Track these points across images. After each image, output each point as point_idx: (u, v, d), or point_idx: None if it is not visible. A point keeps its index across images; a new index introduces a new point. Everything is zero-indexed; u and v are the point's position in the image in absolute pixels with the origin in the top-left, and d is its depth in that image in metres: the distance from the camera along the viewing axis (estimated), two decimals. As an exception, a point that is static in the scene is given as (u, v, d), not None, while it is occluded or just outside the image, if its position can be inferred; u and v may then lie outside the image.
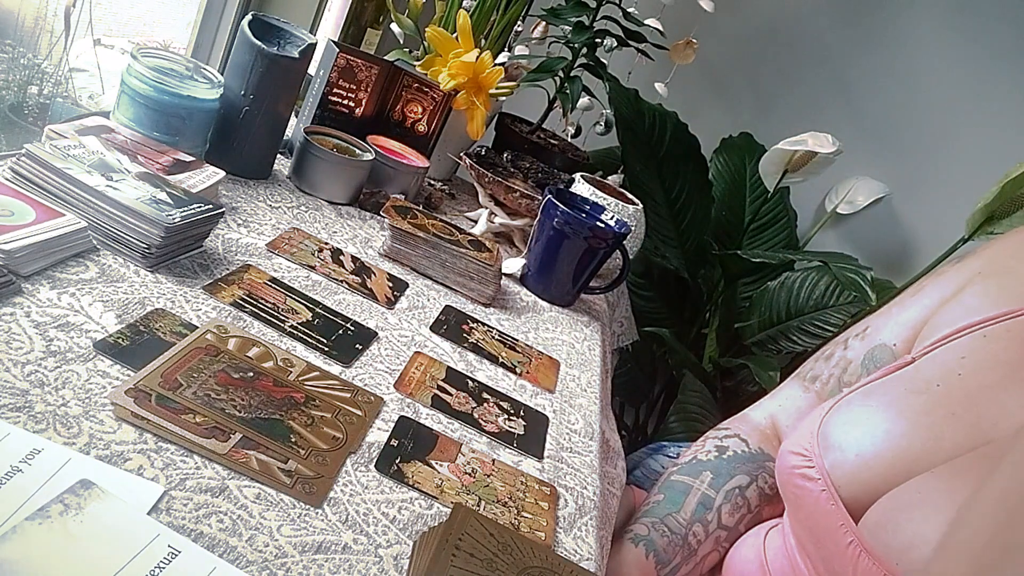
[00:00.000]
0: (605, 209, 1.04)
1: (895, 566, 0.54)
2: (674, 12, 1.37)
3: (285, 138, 0.97)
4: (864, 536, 0.57)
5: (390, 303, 0.79)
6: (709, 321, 1.82)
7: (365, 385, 0.64)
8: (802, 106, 1.94)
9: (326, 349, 0.65)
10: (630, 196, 1.17)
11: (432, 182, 1.20)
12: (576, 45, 1.28)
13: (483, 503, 0.57)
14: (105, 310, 0.57)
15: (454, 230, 0.93)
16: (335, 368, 0.64)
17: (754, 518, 0.77)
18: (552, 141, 1.40)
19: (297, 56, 0.85)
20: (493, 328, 0.85)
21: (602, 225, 1.00)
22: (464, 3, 1.24)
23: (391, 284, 0.83)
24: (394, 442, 0.59)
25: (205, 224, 0.69)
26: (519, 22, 1.32)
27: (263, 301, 0.68)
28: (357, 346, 0.68)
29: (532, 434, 0.69)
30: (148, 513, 0.43)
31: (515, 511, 0.58)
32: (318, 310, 0.71)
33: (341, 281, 0.78)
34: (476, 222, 1.11)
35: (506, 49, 1.34)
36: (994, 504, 0.49)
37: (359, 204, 0.99)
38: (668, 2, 1.35)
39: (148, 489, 0.44)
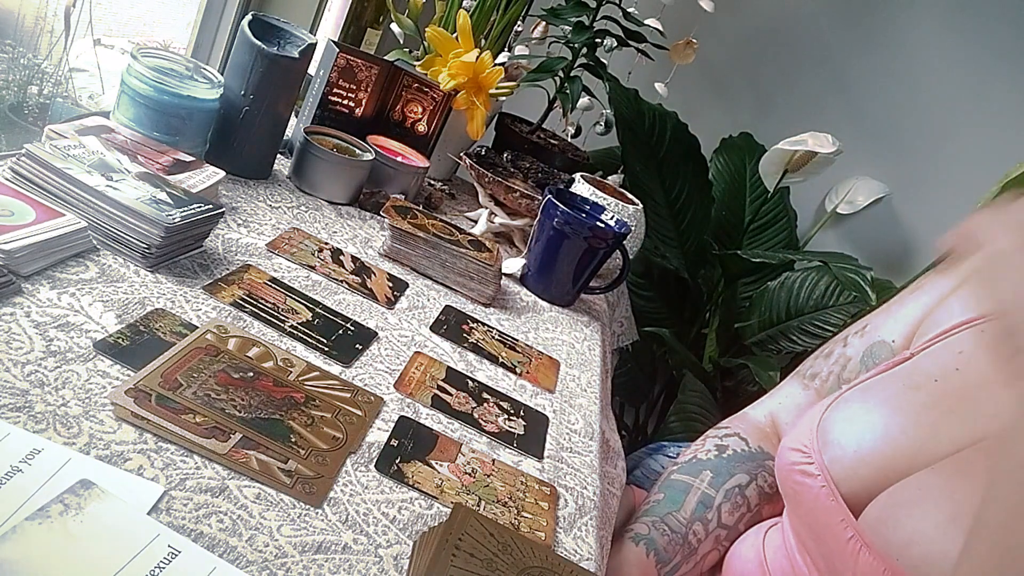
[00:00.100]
0: (605, 209, 1.04)
1: (895, 561, 0.54)
2: (674, 12, 1.37)
3: (285, 138, 0.97)
4: (864, 531, 0.57)
5: (390, 303, 0.79)
6: (709, 321, 1.82)
7: (365, 385, 0.64)
8: (802, 106, 1.94)
9: (326, 349, 0.65)
10: (630, 196, 1.17)
11: (432, 182, 1.20)
12: (576, 45, 1.28)
13: (483, 503, 0.57)
14: (105, 310, 0.57)
15: (454, 230, 0.93)
16: (335, 368, 0.64)
17: (754, 517, 0.77)
18: (552, 141, 1.40)
19: (297, 56, 0.85)
20: (493, 328, 0.85)
21: (602, 225, 1.00)
22: (464, 3, 1.24)
23: (391, 284, 0.83)
24: (394, 442, 0.59)
25: (205, 224, 0.69)
26: (519, 22, 1.32)
27: (263, 301, 0.68)
28: (357, 346, 0.68)
29: (532, 434, 0.69)
30: (148, 513, 0.43)
31: (515, 511, 0.58)
32: (318, 310, 0.71)
33: (341, 281, 0.78)
34: (476, 222, 1.11)
35: (506, 49, 1.34)
36: (1004, 511, 0.49)
37: (359, 204, 0.99)
38: (668, 2, 1.35)
39: (148, 489, 0.44)
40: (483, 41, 1.29)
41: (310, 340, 0.65)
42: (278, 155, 0.97)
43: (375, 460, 0.56)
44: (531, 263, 1.00)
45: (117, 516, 0.41)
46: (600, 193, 1.09)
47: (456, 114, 1.12)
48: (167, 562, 0.40)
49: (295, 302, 0.70)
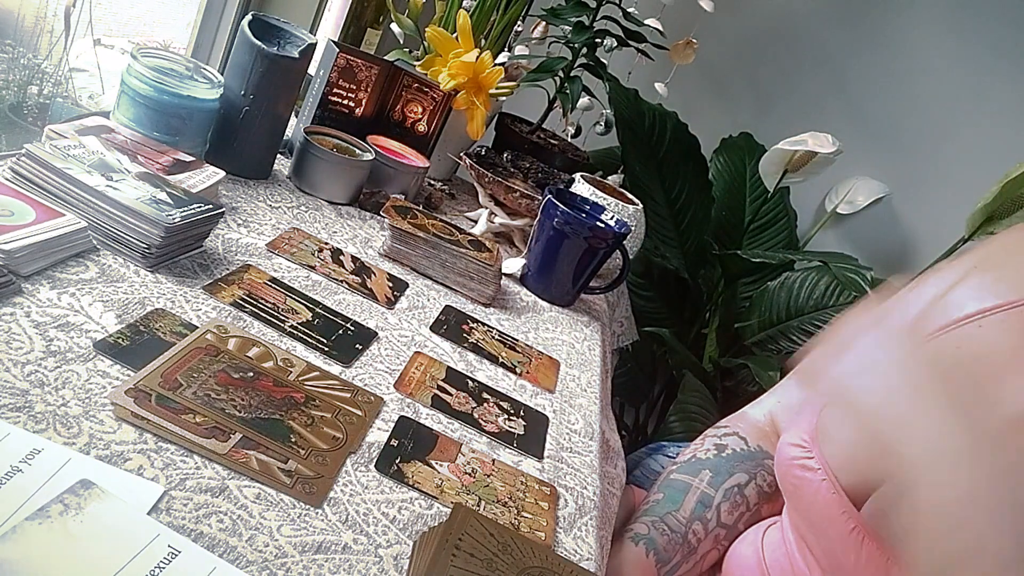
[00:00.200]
0: (605, 209, 1.04)
1: (897, 552, 0.55)
2: (674, 12, 1.37)
3: (285, 138, 0.97)
4: (867, 522, 0.58)
5: (390, 303, 0.79)
6: (709, 321, 1.82)
7: (365, 385, 0.64)
8: (802, 106, 1.94)
9: (326, 349, 0.65)
10: (630, 196, 1.17)
11: (432, 182, 1.20)
12: (576, 45, 1.28)
13: (483, 503, 0.57)
14: (105, 310, 0.57)
15: (454, 230, 0.93)
16: (335, 368, 0.64)
17: (753, 516, 0.77)
18: (552, 141, 1.40)
19: (297, 56, 0.85)
20: (493, 328, 0.85)
21: (602, 225, 1.00)
22: (464, 3, 1.24)
23: (391, 284, 0.83)
24: (394, 442, 0.59)
25: (205, 224, 0.69)
26: (519, 22, 1.32)
27: (263, 301, 0.68)
28: (357, 346, 0.68)
29: (532, 434, 0.69)
30: (148, 513, 0.43)
31: (515, 511, 0.58)
32: (318, 310, 0.71)
33: (341, 281, 0.78)
34: (476, 222, 1.11)
35: (506, 49, 1.34)
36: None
37: (359, 204, 0.99)
38: (668, 2, 1.35)
39: (148, 489, 0.44)
40: (483, 41, 1.29)
41: (310, 340, 0.65)
42: (278, 155, 0.97)
43: (375, 460, 0.56)
44: (531, 263, 1.00)
45: (117, 516, 0.41)
46: (600, 193, 1.09)
47: (456, 114, 1.12)
48: (167, 562, 0.40)
49: (295, 302, 0.70)
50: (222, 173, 0.78)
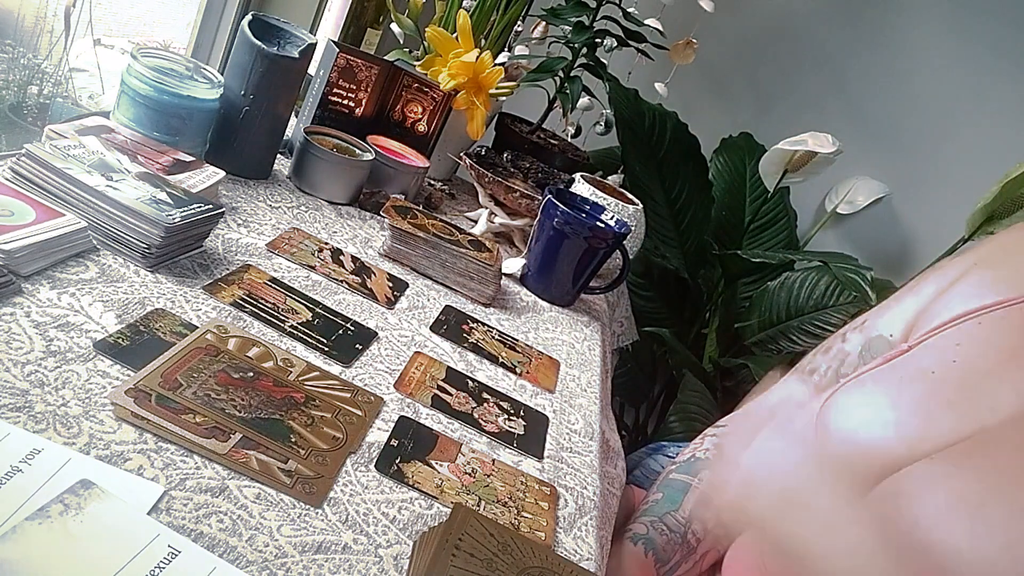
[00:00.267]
0: (605, 209, 1.04)
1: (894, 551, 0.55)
2: (674, 12, 1.37)
3: (285, 138, 0.97)
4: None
5: (390, 303, 0.79)
6: (709, 321, 1.82)
7: (365, 385, 0.64)
8: (802, 106, 1.94)
9: (326, 349, 0.65)
10: (630, 196, 1.17)
11: (432, 182, 1.20)
12: (576, 45, 1.28)
13: (483, 503, 0.57)
14: (105, 310, 0.57)
15: (454, 230, 0.93)
16: (335, 368, 0.64)
17: None
18: (552, 141, 1.40)
19: (297, 56, 0.85)
20: (493, 328, 0.85)
21: (602, 225, 1.00)
22: (464, 3, 1.24)
23: (391, 284, 0.83)
24: (394, 442, 0.59)
25: (205, 224, 0.69)
26: (519, 22, 1.32)
27: (263, 301, 0.68)
28: (357, 346, 0.68)
29: (532, 434, 0.69)
30: (148, 513, 0.43)
31: (515, 511, 0.58)
32: (318, 310, 0.71)
33: (341, 281, 0.78)
34: (476, 222, 1.11)
35: (506, 49, 1.34)
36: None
37: (359, 204, 0.99)
38: (668, 2, 1.35)
39: (148, 489, 0.44)
40: (483, 41, 1.29)
41: (310, 340, 0.65)
42: (278, 155, 0.97)
43: (375, 460, 0.56)
44: (531, 263, 1.00)
45: (117, 516, 0.41)
46: (600, 193, 1.09)
47: (456, 114, 1.12)
48: (167, 562, 0.40)
49: (295, 302, 0.70)
50: (222, 173, 0.78)
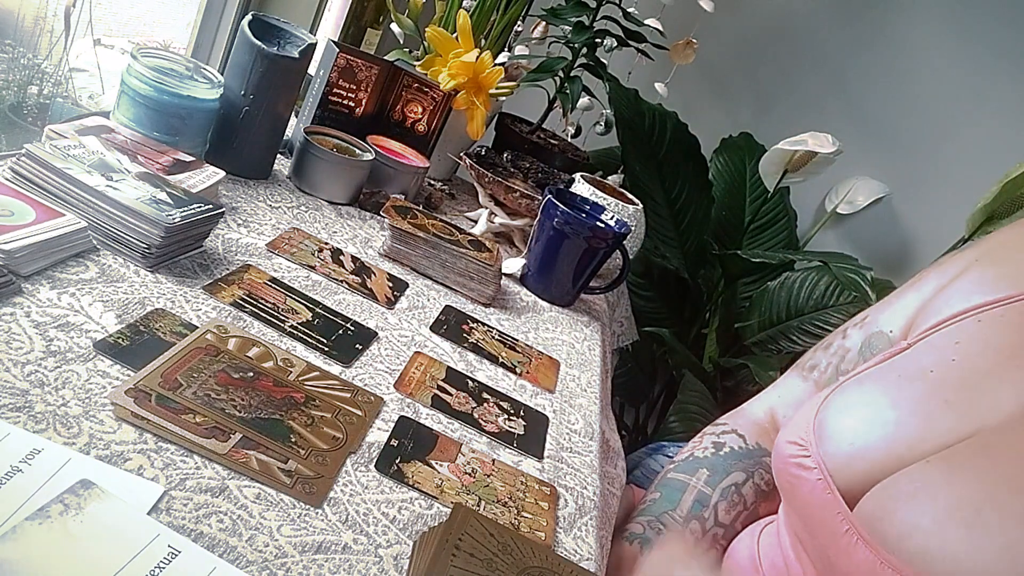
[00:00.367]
0: (605, 209, 1.04)
1: (891, 556, 0.54)
2: (674, 12, 1.37)
3: (285, 138, 0.97)
4: (860, 525, 0.57)
5: (390, 303, 0.79)
6: (709, 321, 1.82)
7: (365, 385, 0.64)
8: (802, 106, 1.94)
9: (326, 349, 0.65)
10: (630, 196, 1.17)
11: (432, 182, 1.20)
12: (576, 45, 1.28)
13: (483, 503, 0.57)
14: (105, 310, 0.57)
15: (454, 230, 0.93)
16: (335, 368, 0.64)
17: (750, 515, 0.77)
18: (552, 141, 1.40)
19: (297, 56, 0.85)
20: (493, 328, 0.85)
21: (602, 225, 1.00)
22: (464, 3, 1.24)
23: (391, 284, 0.83)
24: (394, 442, 0.59)
25: (205, 224, 0.69)
26: (519, 22, 1.32)
27: (263, 301, 0.68)
28: (357, 346, 0.68)
29: (532, 434, 0.69)
30: (148, 513, 0.43)
31: (515, 511, 0.58)
32: (318, 310, 0.71)
33: (341, 281, 0.78)
34: (476, 222, 1.11)
35: (506, 49, 1.34)
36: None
37: (359, 204, 0.99)
38: (668, 2, 1.35)
39: (148, 489, 0.44)
40: (483, 41, 1.29)
41: (310, 340, 0.65)
42: (278, 155, 0.97)
43: (375, 460, 0.56)
44: (531, 263, 1.00)
45: (117, 516, 0.41)
46: (600, 193, 1.09)
47: (456, 114, 1.12)
48: (167, 562, 0.40)
49: (295, 302, 0.70)
50: (222, 173, 0.78)
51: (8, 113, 1.21)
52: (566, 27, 1.28)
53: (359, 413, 0.59)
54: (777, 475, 0.69)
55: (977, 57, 1.77)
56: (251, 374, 0.57)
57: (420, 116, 1.12)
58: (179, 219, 0.64)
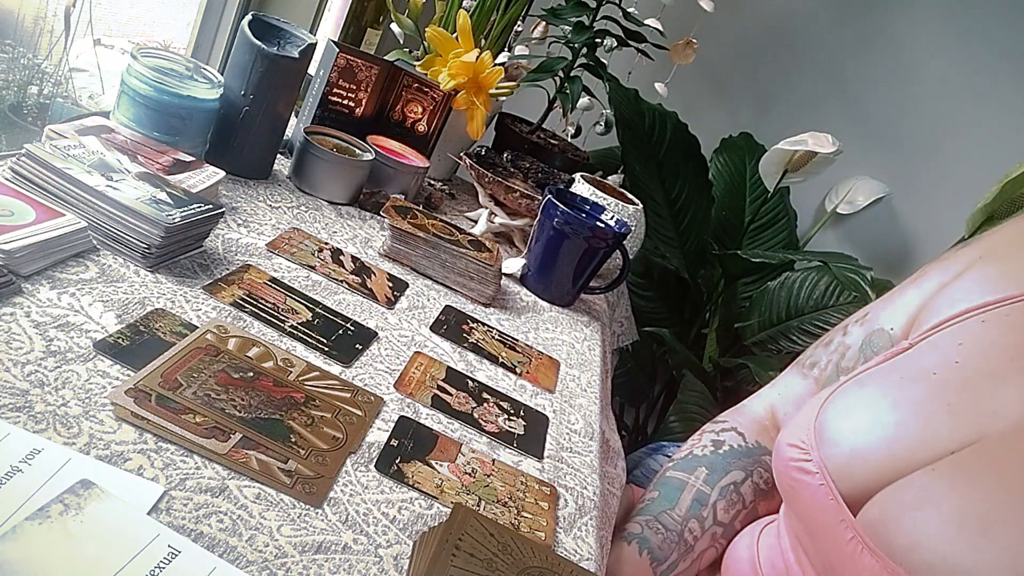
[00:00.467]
0: (605, 209, 1.04)
1: (898, 566, 0.54)
2: (674, 12, 1.37)
3: (285, 138, 0.97)
4: (865, 533, 0.56)
5: (390, 303, 0.79)
6: (709, 321, 1.82)
7: (365, 385, 0.64)
8: (802, 106, 1.94)
9: (326, 349, 0.65)
10: (630, 196, 1.17)
11: (432, 182, 1.20)
12: (576, 45, 1.28)
13: (483, 503, 0.57)
14: (105, 310, 0.57)
15: (454, 230, 0.93)
16: (335, 368, 0.64)
17: (750, 514, 0.76)
18: (552, 141, 1.40)
19: (297, 56, 0.85)
20: (493, 328, 0.85)
21: (602, 225, 1.00)
22: (464, 3, 1.24)
23: (391, 284, 0.83)
24: (394, 442, 0.59)
25: (205, 224, 0.69)
26: (519, 22, 1.32)
27: (263, 301, 0.68)
28: (357, 346, 0.68)
29: (532, 434, 0.69)
30: (148, 513, 0.43)
31: (515, 511, 0.58)
32: (318, 310, 0.71)
33: (341, 281, 0.78)
34: (476, 222, 1.11)
35: (506, 49, 1.34)
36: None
37: (359, 204, 0.99)
38: (668, 2, 1.35)
39: (148, 489, 0.44)
40: (483, 41, 1.29)
41: (310, 340, 0.65)
42: (278, 155, 0.97)
43: (375, 460, 0.56)
44: (531, 263, 1.00)
45: (117, 516, 0.41)
46: (600, 193, 1.09)
47: (456, 114, 1.12)
48: (167, 562, 0.40)
49: (295, 302, 0.70)
50: (222, 173, 0.78)
51: (8, 113, 1.21)
52: (566, 27, 1.28)
53: (359, 413, 0.59)
54: (778, 477, 0.68)
55: (977, 57, 1.77)
56: (251, 374, 0.57)
57: (420, 116, 1.12)
58: (179, 219, 0.64)
